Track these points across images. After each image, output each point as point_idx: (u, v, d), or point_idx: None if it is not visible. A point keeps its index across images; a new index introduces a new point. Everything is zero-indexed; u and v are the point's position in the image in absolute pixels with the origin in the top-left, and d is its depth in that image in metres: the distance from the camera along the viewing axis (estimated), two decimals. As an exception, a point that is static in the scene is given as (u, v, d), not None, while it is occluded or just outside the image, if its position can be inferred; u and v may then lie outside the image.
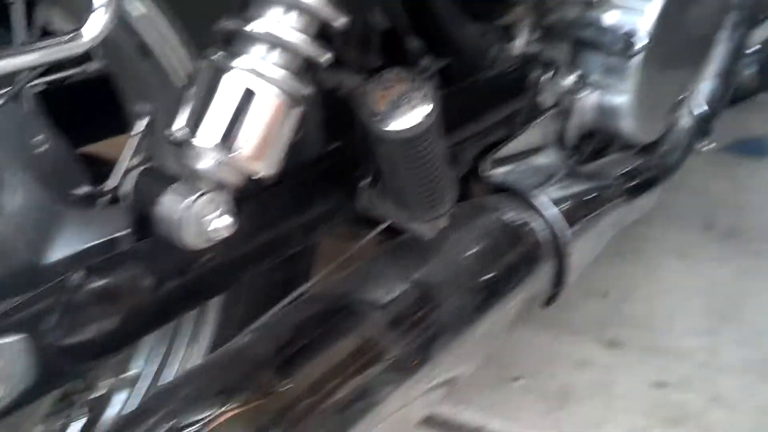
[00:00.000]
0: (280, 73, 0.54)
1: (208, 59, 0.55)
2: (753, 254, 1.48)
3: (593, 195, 0.97)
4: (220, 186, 0.54)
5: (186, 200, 0.53)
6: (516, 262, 0.80)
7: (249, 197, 0.60)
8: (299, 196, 0.68)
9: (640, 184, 1.06)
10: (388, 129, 0.59)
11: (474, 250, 0.77)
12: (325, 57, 0.56)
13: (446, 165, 0.65)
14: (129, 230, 0.57)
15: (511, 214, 0.83)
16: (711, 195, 1.66)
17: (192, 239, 0.53)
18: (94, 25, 0.49)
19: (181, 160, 0.54)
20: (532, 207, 0.85)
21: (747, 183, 1.72)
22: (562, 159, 1.02)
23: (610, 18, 0.99)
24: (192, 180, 0.54)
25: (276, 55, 0.54)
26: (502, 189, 0.89)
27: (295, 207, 0.68)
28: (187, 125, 0.54)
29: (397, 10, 0.82)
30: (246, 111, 0.53)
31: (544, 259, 0.83)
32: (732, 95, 1.23)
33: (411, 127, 0.60)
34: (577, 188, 0.95)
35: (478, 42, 0.90)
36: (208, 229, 0.53)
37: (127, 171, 0.59)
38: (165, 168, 0.59)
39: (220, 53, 0.54)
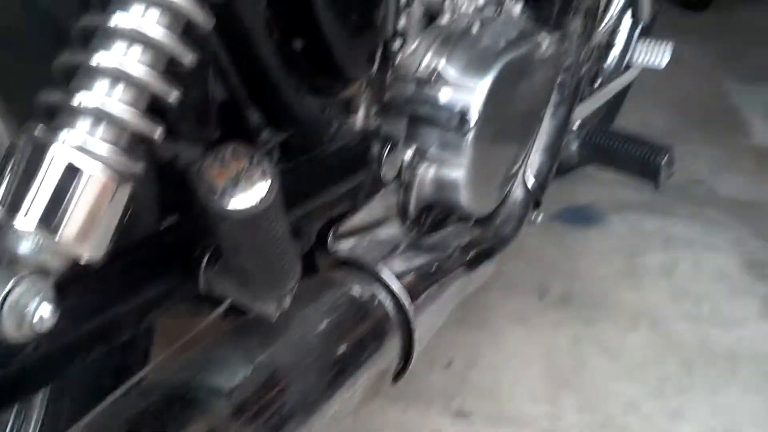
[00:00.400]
0: (106, 149, 0.51)
1: (29, 134, 0.51)
2: (584, 321, 1.56)
3: (435, 267, 0.98)
4: (41, 271, 0.50)
5: (2, 288, 0.48)
6: (364, 338, 0.79)
7: (74, 282, 0.55)
8: (131, 277, 0.63)
9: (478, 255, 1.09)
10: (227, 208, 0.57)
11: (321, 328, 0.75)
12: (157, 132, 0.54)
13: (289, 241, 0.64)
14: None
15: (358, 289, 0.82)
16: (544, 262, 1.74)
17: (11, 331, 0.48)
18: None
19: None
20: (378, 280, 0.85)
21: (576, 250, 1.82)
22: (404, 231, 1.03)
23: (444, 95, 1.02)
24: (10, 265, 0.49)
25: (103, 129, 0.51)
26: (347, 263, 0.88)
27: (125, 290, 0.63)
28: (3, 206, 0.49)
29: (236, 82, 0.81)
30: (69, 190, 0.49)
31: (392, 333, 0.83)
32: (559, 167, 1.31)
33: (251, 206, 0.58)
34: (419, 260, 0.96)
35: (318, 116, 0.90)
36: (30, 320, 0.48)
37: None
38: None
39: (42, 127, 0.51)
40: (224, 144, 0.61)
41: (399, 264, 0.91)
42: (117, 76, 0.52)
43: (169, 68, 0.54)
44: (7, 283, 0.48)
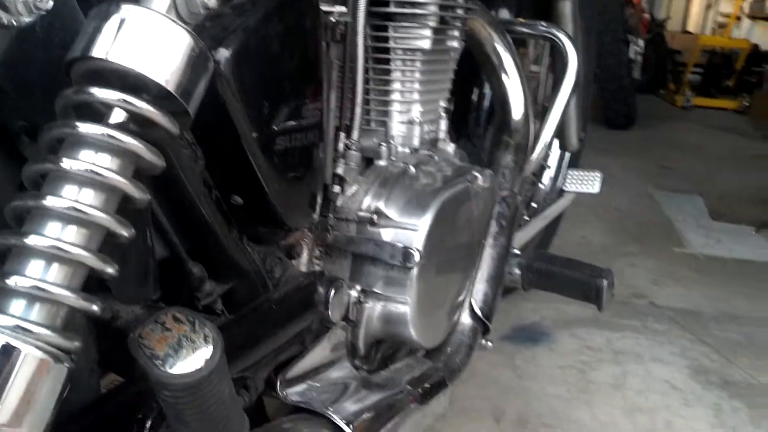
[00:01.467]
0: (40, 330, 0.50)
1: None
2: (542, 443, 1.55)
3: (388, 404, 0.97)
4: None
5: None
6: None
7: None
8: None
9: (431, 387, 1.08)
10: (169, 374, 0.57)
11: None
12: (95, 308, 0.54)
13: (234, 401, 0.63)
14: None
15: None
16: (497, 385, 1.74)
17: None
18: None
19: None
20: (333, 425, 0.84)
21: (527, 370, 1.83)
22: (353, 371, 1.02)
23: (387, 234, 1.04)
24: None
25: (38, 309, 0.51)
26: (299, 408, 0.86)
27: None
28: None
29: (176, 239, 0.81)
30: (3, 371, 0.49)
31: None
32: (505, 289, 1.33)
33: (194, 371, 0.57)
34: (372, 399, 0.96)
35: (260, 265, 0.91)
36: None
37: None
38: None
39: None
40: (164, 309, 0.61)
41: (351, 405, 0.90)
42: (52, 256, 0.52)
43: (108, 240, 0.55)
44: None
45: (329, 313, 0.95)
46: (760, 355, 2.02)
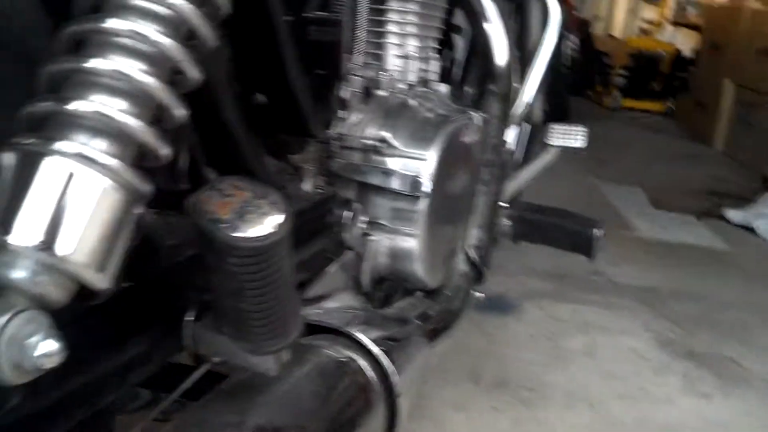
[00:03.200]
0: (116, 163, 0.44)
1: (17, 146, 0.43)
2: (522, 403, 1.53)
3: (402, 336, 0.92)
4: (40, 302, 0.41)
5: (-4, 321, 0.39)
6: (355, 406, 0.72)
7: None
8: (109, 331, 0.55)
9: (437, 327, 1.04)
10: (238, 235, 0.51)
11: (310, 393, 0.67)
12: (164, 149, 0.48)
13: (294, 284, 0.57)
14: None
15: (346, 354, 0.75)
16: (472, 350, 1.71)
17: (9, 371, 0.38)
18: None
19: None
20: (356, 345, 0.78)
21: (499, 337, 1.81)
22: (362, 301, 0.97)
23: (394, 163, 1.00)
24: (1, 296, 0.40)
25: (108, 141, 0.44)
26: (318, 328, 0.81)
27: (105, 347, 0.54)
28: (-10, 226, 0.41)
29: (192, 137, 0.75)
30: (76, 204, 0.42)
31: (378, 402, 0.76)
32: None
33: (265, 235, 0.51)
34: (387, 328, 0.90)
35: (275, 178, 0.85)
36: (31, 356, 0.39)
37: None
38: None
39: (33, 139, 0.43)
40: (219, 178, 0.55)
41: (370, 331, 0.85)
42: (117, 85, 0.45)
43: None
44: (3, 316, 0.39)
45: (345, 234, 0.90)
46: (719, 329, 2.06)
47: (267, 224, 0.52)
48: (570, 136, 1.52)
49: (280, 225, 0.52)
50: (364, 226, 0.99)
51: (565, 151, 1.60)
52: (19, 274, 0.40)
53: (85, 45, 0.46)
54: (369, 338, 0.83)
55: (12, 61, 0.53)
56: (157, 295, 0.60)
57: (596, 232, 1.31)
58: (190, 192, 0.72)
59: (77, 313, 0.47)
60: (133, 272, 0.61)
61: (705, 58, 6.09)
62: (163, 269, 0.61)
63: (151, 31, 0.46)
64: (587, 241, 1.32)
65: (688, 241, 2.90)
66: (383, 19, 1.11)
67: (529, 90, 1.48)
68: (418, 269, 1.03)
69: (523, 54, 1.60)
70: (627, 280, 2.35)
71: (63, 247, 0.41)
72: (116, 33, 0.45)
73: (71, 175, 0.42)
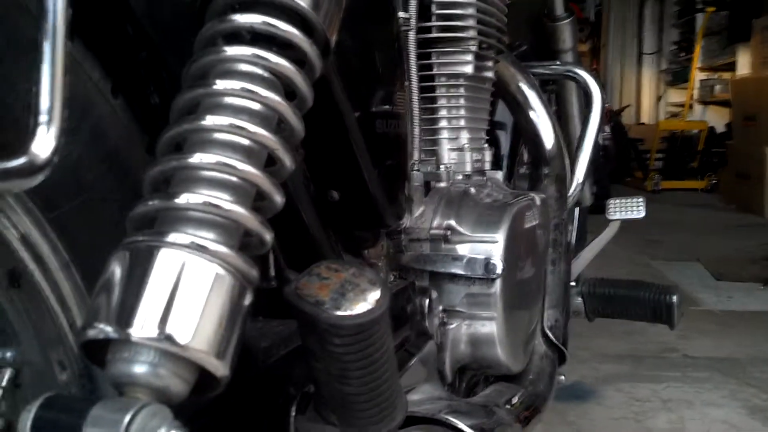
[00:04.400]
0: (225, 249, 0.45)
1: (128, 245, 0.44)
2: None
3: (496, 421, 0.90)
4: (162, 395, 0.41)
5: (121, 421, 0.39)
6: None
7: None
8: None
9: (528, 412, 1.01)
10: (341, 314, 0.51)
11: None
12: (268, 237, 0.49)
13: (395, 361, 0.57)
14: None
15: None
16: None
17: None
18: None
19: (107, 369, 0.41)
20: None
21: (584, 424, 1.74)
22: (448, 392, 0.95)
23: (464, 249, 1.00)
24: (124, 392, 0.41)
25: (214, 231, 0.45)
26: (415, 420, 0.79)
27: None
28: (109, 322, 0.41)
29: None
30: (191, 292, 0.43)
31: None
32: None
33: (366, 311, 0.51)
34: (480, 416, 0.88)
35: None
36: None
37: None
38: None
39: (143, 236, 0.44)
40: (314, 264, 0.56)
41: (464, 419, 0.82)
42: (220, 178, 0.47)
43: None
44: (125, 414, 0.39)
45: (426, 323, 0.89)
46: (806, 391, 1.97)
47: (368, 300, 0.52)
48: (629, 208, 1.51)
49: (380, 300, 0.52)
50: (441, 315, 0.98)
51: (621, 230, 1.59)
52: (141, 368, 0.41)
53: (184, 145, 0.48)
54: (466, 423, 0.81)
55: (108, 174, 0.55)
56: (258, 395, 0.60)
57: (675, 298, 1.28)
58: (276, 294, 0.74)
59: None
60: (234, 377, 0.61)
61: (740, 131, 6.09)
62: (261, 370, 0.61)
63: (246, 124, 0.48)
64: (667, 309, 1.29)
65: (757, 308, 2.82)
66: (434, 116, 1.14)
67: (580, 171, 1.49)
68: (500, 354, 1.01)
69: (565, 138, 1.62)
70: (702, 353, 2.27)
71: (183, 335, 0.41)
72: (214, 129, 0.47)
73: (184, 264, 0.43)
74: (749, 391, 1.96)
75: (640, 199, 1.53)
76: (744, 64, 6.66)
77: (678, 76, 8.76)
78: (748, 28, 6.22)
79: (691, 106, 8.05)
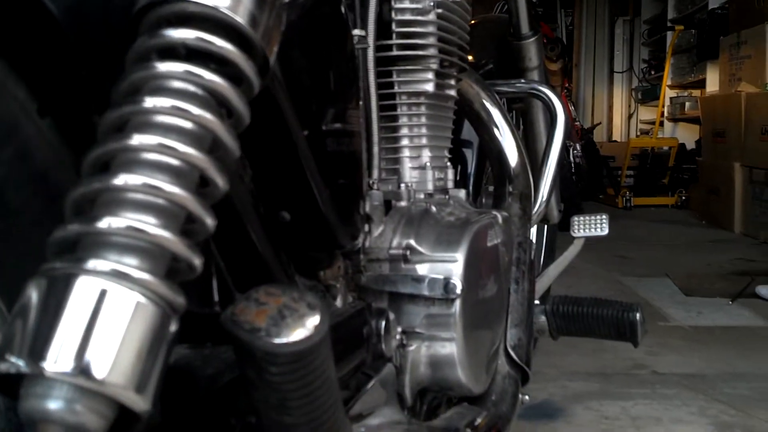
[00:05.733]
0: (147, 276, 0.42)
1: (45, 272, 0.42)
2: None
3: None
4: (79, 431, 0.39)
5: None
6: None
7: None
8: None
9: (489, 435, 0.99)
10: (276, 341, 0.49)
11: None
12: (196, 262, 0.46)
13: (338, 388, 0.55)
14: None
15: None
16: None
17: None
18: None
19: (20, 405, 0.39)
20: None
21: (552, 446, 1.73)
22: (407, 416, 0.93)
23: (423, 268, 0.98)
24: (38, 429, 0.38)
25: (138, 257, 0.43)
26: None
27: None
28: (21, 355, 0.39)
29: (221, 263, 0.74)
30: (110, 322, 0.40)
31: None
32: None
33: (304, 338, 0.49)
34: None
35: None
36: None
37: None
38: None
39: (61, 262, 0.42)
40: (253, 288, 0.53)
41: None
42: (147, 199, 0.45)
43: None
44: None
45: (383, 345, 0.87)
46: (777, 406, 1.97)
47: (304, 328, 0.50)
48: (592, 225, 1.51)
49: (318, 326, 0.50)
50: (400, 336, 0.96)
51: (586, 249, 1.59)
52: (55, 404, 0.38)
53: (110, 165, 0.46)
54: (421, 452, 0.79)
55: (36, 198, 0.53)
56: (199, 426, 0.57)
57: (638, 316, 1.27)
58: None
59: None
60: (172, 406, 0.59)
61: (709, 147, 6.16)
62: (203, 399, 0.59)
63: (176, 144, 0.46)
64: (631, 327, 1.28)
65: (726, 323, 2.84)
66: (395, 135, 1.13)
67: (544, 188, 1.49)
68: (461, 375, 0.99)
69: (531, 156, 1.62)
70: (671, 369, 2.28)
71: (99, 369, 0.39)
72: (141, 149, 0.45)
73: (102, 293, 0.41)
74: (718, 407, 1.96)
75: (604, 216, 1.52)
76: (713, 81, 6.76)
77: (648, 94, 8.87)
78: (716, 46, 6.31)
79: (661, 123, 8.14)
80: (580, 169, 6.37)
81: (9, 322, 0.41)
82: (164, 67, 0.48)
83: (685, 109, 7.58)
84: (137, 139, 0.46)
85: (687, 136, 7.72)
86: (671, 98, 8.04)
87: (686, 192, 6.87)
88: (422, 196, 1.13)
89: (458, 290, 0.96)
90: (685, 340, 2.61)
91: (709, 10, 6.83)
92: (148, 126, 0.47)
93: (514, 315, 1.22)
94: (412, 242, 1.00)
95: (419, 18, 1.10)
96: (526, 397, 1.22)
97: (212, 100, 0.49)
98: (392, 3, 1.08)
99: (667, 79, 7.91)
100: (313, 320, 0.50)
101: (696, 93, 7.63)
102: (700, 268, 3.94)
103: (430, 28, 1.11)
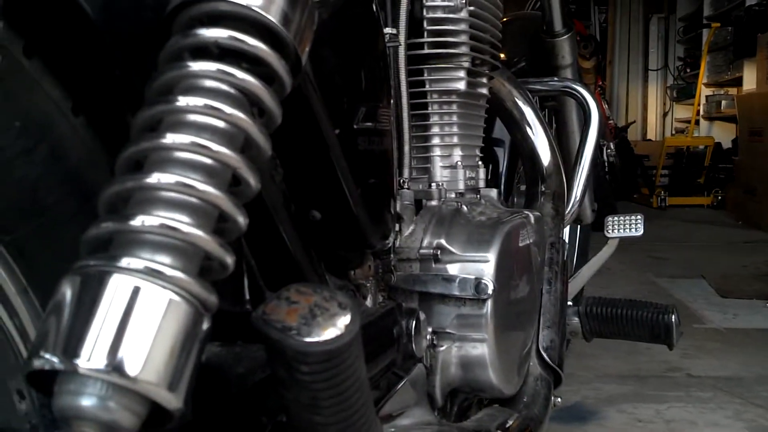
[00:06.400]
0: (180, 275, 0.43)
1: (79, 269, 0.42)
2: None
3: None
4: (112, 429, 0.39)
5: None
6: None
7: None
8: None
9: (520, 437, 0.98)
10: (308, 340, 0.48)
11: None
12: (229, 259, 0.46)
13: (369, 389, 0.54)
14: None
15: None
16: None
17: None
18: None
19: (54, 402, 0.39)
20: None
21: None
22: (438, 417, 0.92)
23: (454, 268, 0.98)
24: (71, 426, 0.38)
25: (172, 256, 0.43)
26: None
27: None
28: (56, 352, 0.39)
29: (253, 262, 0.74)
30: (143, 320, 0.40)
31: None
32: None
33: (335, 337, 0.49)
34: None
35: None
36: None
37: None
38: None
39: (95, 260, 0.42)
40: (284, 288, 0.53)
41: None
42: (181, 198, 0.45)
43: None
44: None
45: (413, 346, 0.87)
46: (814, 410, 1.93)
47: (337, 325, 0.49)
48: (627, 225, 1.49)
49: (349, 325, 0.50)
50: (431, 337, 0.96)
51: (620, 249, 1.57)
52: (88, 401, 0.38)
53: (143, 164, 0.46)
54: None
55: (70, 196, 0.53)
56: (229, 425, 0.57)
57: (673, 318, 1.25)
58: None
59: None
60: (204, 405, 0.59)
61: (746, 146, 6.06)
62: (234, 398, 0.59)
63: (209, 143, 0.46)
64: (666, 329, 1.26)
65: (763, 326, 2.79)
66: (426, 133, 1.12)
67: (577, 188, 1.47)
68: (492, 376, 0.98)
69: (564, 155, 1.60)
70: (707, 372, 2.24)
71: (132, 366, 0.39)
72: (174, 148, 0.45)
73: (136, 290, 0.41)
74: (755, 411, 1.92)
75: (639, 217, 1.50)
76: (750, 79, 6.64)
77: (684, 92, 8.74)
78: (754, 44, 6.20)
79: (697, 122, 8.03)
80: (614, 168, 6.30)
81: (43, 319, 0.42)
82: (197, 66, 0.48)
83: (722, 108, 7.47)
84: (170, 138, 0.46)
85: (723, 135, 7.60)
86: (707, 96, 7.92)
87: (722, 192, 6.77)
88: (453, 195, 1.13)
89: (490, 290, 0.95)
90: (721, 342, 2.56)
91: (746, 7, 6.72)
92: (180, 125, 0.47)
93: (547, 316, 1.21)
94: (443, 242, 1.00)
95: (451, 16, 1.09)
96: (558, 400, 1.21)
97: (244, 99, 0.49)
98: (424, 1, 1.07)
99: (702, 77, 7.80)
100: (345, 319, 0.50)
101: (732, 91, 7.51)
102: (736, 270, 3.87)
103: (462, 26, 1.10)
